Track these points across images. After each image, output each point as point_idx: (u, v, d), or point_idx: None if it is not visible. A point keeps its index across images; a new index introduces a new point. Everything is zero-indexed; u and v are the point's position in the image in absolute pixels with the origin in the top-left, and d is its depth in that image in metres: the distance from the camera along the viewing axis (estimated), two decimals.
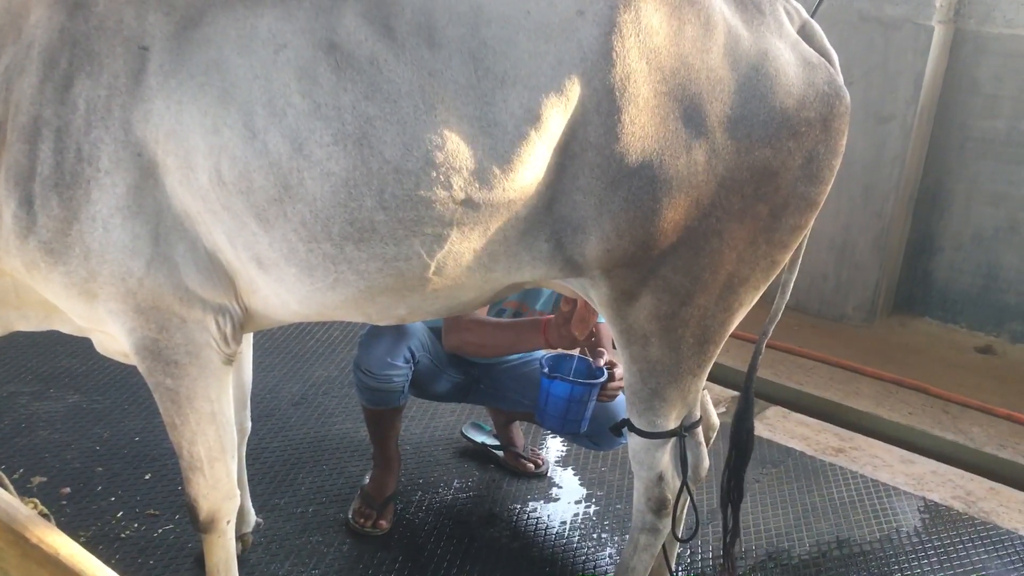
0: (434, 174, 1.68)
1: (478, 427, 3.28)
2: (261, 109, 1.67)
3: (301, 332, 4.07)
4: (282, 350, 3.88)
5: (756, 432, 3.42)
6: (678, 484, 2.17)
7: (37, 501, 2.01)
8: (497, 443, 3.17)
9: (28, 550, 1.75)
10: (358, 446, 3.19)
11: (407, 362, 2.62)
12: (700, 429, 2.31)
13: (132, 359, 1.94)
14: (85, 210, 1.74)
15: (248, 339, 2.44)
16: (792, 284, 2.13)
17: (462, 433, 3.26)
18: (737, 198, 1.79)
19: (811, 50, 1.83)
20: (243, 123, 1.68)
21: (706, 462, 2.35)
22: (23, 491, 2.63)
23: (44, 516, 1.90)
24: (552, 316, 2.55)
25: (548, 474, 3.14)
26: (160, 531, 2.65)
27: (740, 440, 2.22)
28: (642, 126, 1.70)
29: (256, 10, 1.70)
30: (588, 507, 2.98)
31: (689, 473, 2.17)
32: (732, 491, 2.24)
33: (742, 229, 1.83)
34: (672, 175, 1.73)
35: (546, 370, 2.49)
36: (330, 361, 3.86)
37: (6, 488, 2.04)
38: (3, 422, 3.17)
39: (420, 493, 2.97)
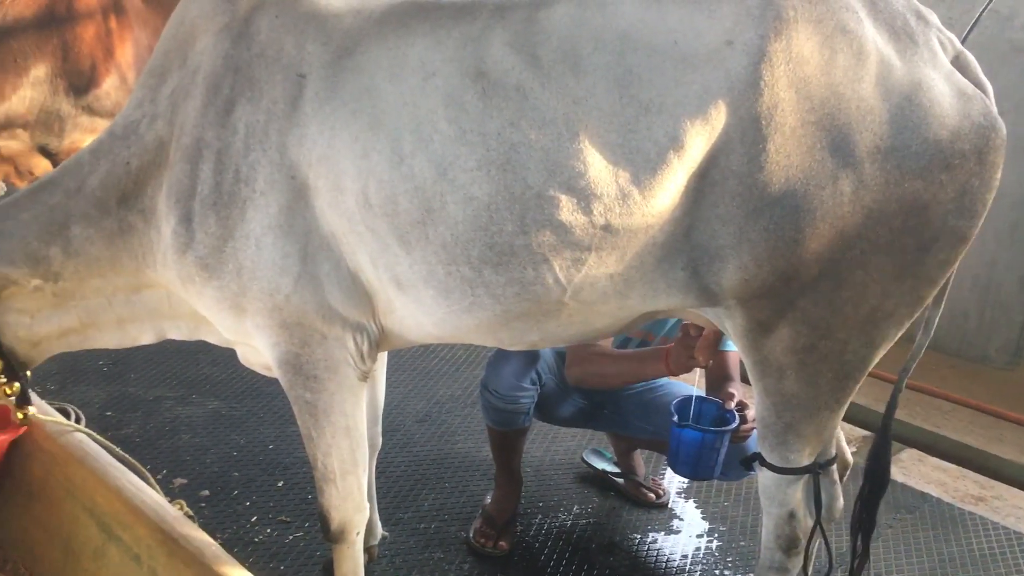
0: (575, 200, 1.69)
1: (599, 453, 3.26)
2: (409, 135, 1.73)
3: (426, 350, 4.14)
4: (408, 367, 3.96)
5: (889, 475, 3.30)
6: (810, 522, 2.10)
7: (183, 503, 2.11)
8: (618, 471, 3.15)
9: (175, 550, 1.84)
10: (480, 465, 3.22)
11: (534, 384, 2.64)
12: (835, 467, 2.24)
13: (274, 372, 2.02)
14: (240, 228, 1.84)
15: (383, 358, 2.50)
16: (936, 321, 2.04)
17: (583, 459, 3.25)
18: (884, 230, 1.74)
19: (966, 81, 1.76)
20: (391, 148, 1.74)
21: (840, 501, 2.27)
22: (166, 492, 2.77)
23: (189, 518, 2.00)
24: (672, 344, 2.52)
25: (669, 505, 3.09)
26: (291, 538, 2.75)
27: (875, 475, 2.13)
28: (787, 155, 1.68)
29: (407, 39, 1.77)
30: (711, 542, 2.92)
31: (823, 512, 2.10)
32: (864, 521, 2.16)
33: (888, 263, 1.77)
34: (816, 205, 1.70)
35: (675, 418, 2.46)
36: (454, 380, 3.92)
37: (153, 488, 2.15)
38: (150, 424, 3.36)
39: (540, 516, 2.97)
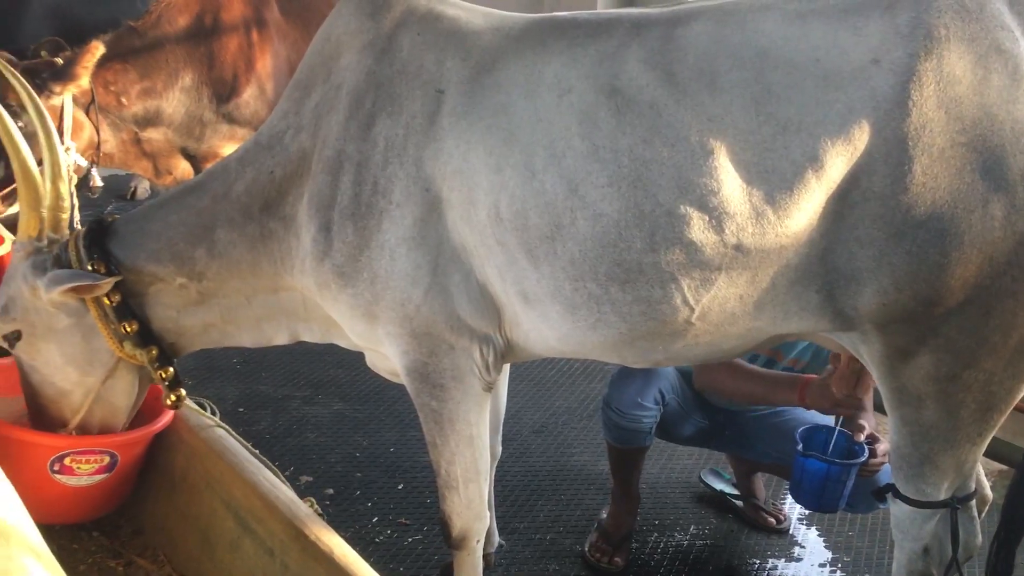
0: (706, 218, 1.68)
1: (717, 474, 3.20)
2: (542, 150, 1.75)
3: (544, 361, 4.15)
4: (525, 378, 3.99)
5: None
6: (945, 559, 2.01)
7: (313, 500, 2.18)
8: (736, 493, 3.08)
9: (307, 546, 1.91)
10: (596, 479, 3.21)
11: (656, 404, 2.62)
12: (974, 502, 2.13)
13: (402, 379, 2.07)
14: (376, 239, 1.89)
15: (505, 369, 2.53)
16: None
17: (700, 478, 3.20)
18: None
19: None
20: (524, 163, 1.76)
21: (979, 538, 2.15)
22: (293, 488, 2.88)
23: (319, 515, 2.07)
24: (814, 377, 2.44)
25: (790, 531, 3.01)
26: (410, 540, 2.81)
27: (1014, 516, 2.02)
28: (934, 177, 1.62)
29: (544, 57, 1.79)
30: (833, 572, 2.82)
31: (959, 550, 2.00)
32: (1000, 564, 2.05)
33: None
34: (964, 229, 1.63)
35: (800, 447, 2.38)
36: (570, 392, 3.92)
37: (284, 484, 2.24)
38: (279, 422, 3.49)
39: (656, 535, 2.94)
